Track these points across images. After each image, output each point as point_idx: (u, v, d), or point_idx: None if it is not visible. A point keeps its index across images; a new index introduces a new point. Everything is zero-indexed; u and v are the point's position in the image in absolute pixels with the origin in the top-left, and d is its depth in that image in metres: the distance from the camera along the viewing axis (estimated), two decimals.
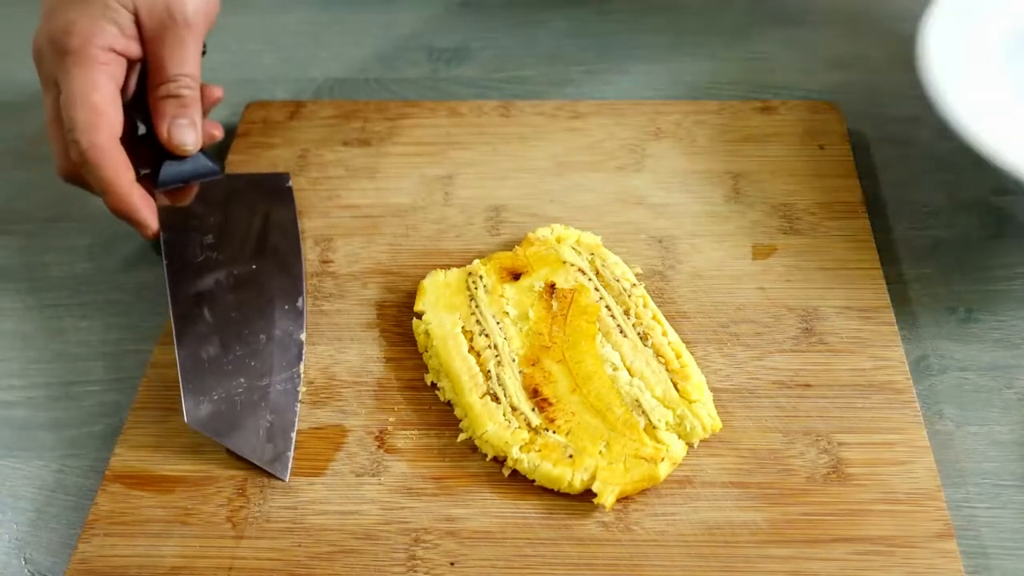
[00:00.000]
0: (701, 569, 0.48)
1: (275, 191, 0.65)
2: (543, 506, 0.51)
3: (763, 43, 0.81)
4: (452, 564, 0.49)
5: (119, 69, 0.59)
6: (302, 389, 0.56)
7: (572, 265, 0.59)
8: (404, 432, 0.54)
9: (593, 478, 0.50)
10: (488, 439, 0.52)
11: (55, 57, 0.58)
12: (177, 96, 0.59)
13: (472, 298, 0.58)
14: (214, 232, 0.61)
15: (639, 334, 0.55)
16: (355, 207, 0.66)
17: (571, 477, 0.50)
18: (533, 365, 0.54)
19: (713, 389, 0.54)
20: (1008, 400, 0.56)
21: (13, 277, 0.66)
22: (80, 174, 0.58)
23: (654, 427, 0.51)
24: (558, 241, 0.61)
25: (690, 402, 0.52)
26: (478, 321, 0.57)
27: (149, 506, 0.51)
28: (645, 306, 0.57)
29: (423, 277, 0.60)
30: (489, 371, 0.54)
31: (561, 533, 0.50)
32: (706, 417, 0.52)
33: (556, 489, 0.50)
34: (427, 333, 0.57)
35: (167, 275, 0.58)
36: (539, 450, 0.51)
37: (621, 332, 0.55)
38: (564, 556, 0.49)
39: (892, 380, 0.55)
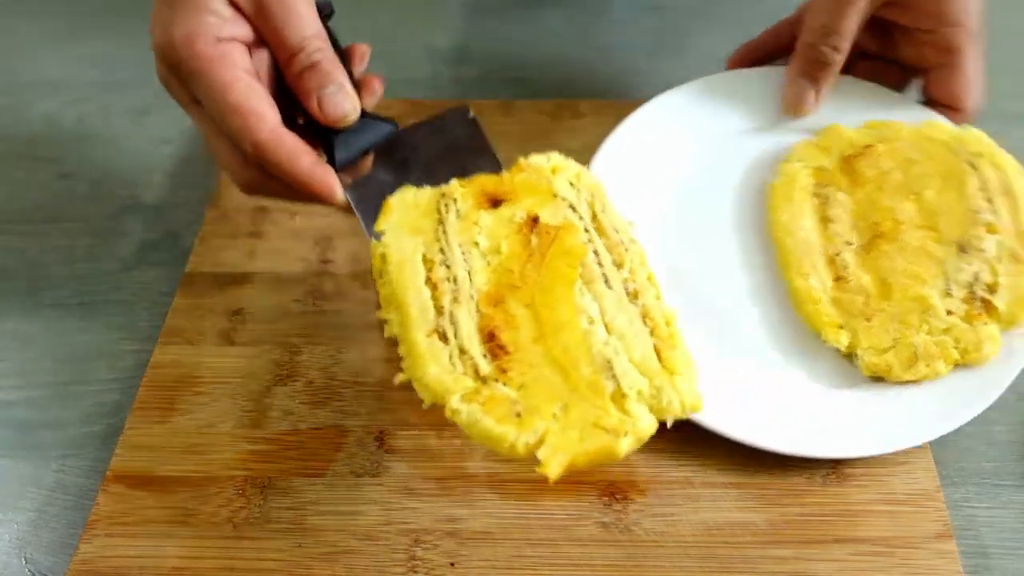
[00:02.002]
0: (701, 569, 0.48)
1: (459, 124, 0.58)
2: (543, 506, 0.51)
3: None
4: (452, 565, 0.49)
5: (240, 55, 0.50)
6: None
7: (564, 200, 0.52)
8: (404, 432, 0.54)
9: (540, 443, 0.43)
10: (428, 383, 0.45)
11: (174, 75, 0.50)
12: (311, 65, 0.51)
13: (441, 222, 0.51)
14: (413, 183, 0.54)
15: (629, 291, 0.49)
16: None
17: (515, 438, 0.43)
18: (495, 305, 0.47)
19: None
20: (1008, 400, 0.56)
21: (13, 277, 0.66)
22: (261, 182, 0.51)
23: (623, 395, 0.45)
24: (553, 172, 0.54)
25: (672, 374, 0.46)
26: (441, 250, 0.50)
27: (150, 506, 0.51)
28: (642, 264, 0.50)
29: None
30: (443, 307, 0.47)
31: (561, 533, 0.50)
32: (687, 392, 0.45)
33: (495, 451, 0.44)
34: (383, 257, 0.50)
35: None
36: (483, 403, 0.44)
37: (606, 282, 0.49)
38: (564, 556, 0.49)
39: None
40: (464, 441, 0.53)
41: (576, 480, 0.51)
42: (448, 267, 0.49)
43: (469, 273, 0.49)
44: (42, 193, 0.71)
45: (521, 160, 0.54)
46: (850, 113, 0.61)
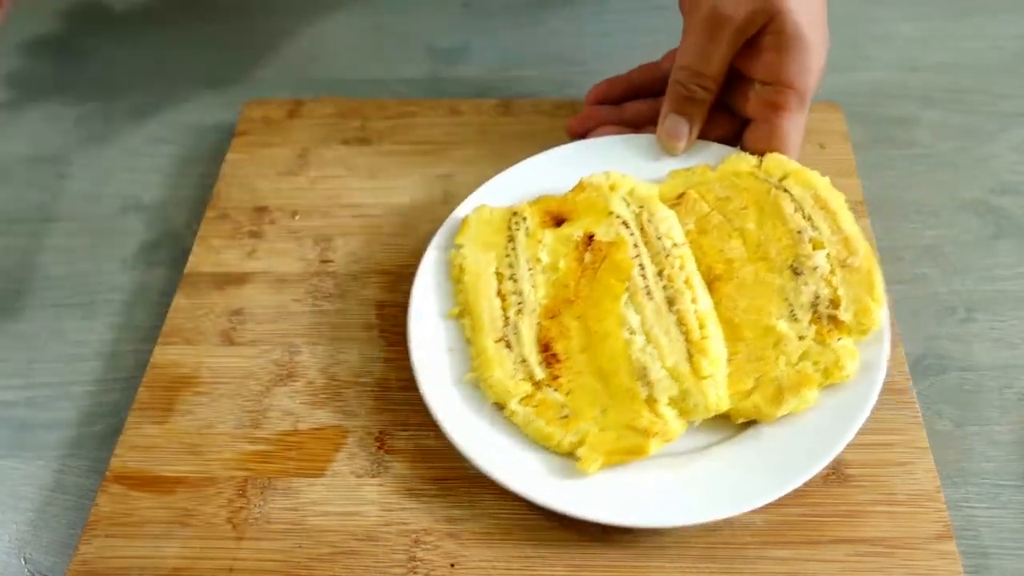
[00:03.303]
0: (700, 571, 0.48)
1: None
2: (543, 506, 0.51)
3: None
4: (452, 566, 0.49)
5: None
6: None
7: (618, 217, 0.57)
8: (404, 432, 0.54)
9: (582, 442, 0.49)
10: (492, 384, 0.52)
11: None
12: None
13: (511, 239, 0.57)
14: None
15: (667, 298, 0.53)
16: (355, 207, 0.66)
17: (561, 438, 0.50)
18: (552, 317, 0.54)
19: None
20: (1008, 400, 0.56)
21: (13, 277, 0.66)
22: None
23: (655, 400, 0.50)
24: (611, 188, 0.59)
25: (700, 377, 0.50)
26: (511, 264, 0.56)
27: (150, 507, 0.51)
28: (682, 268, 0.54)
29: None
30: (508, 317, 0.54)
31: (561, 533, 0.50)
32: (712, 396, 0.50)
33: (546, 446, 0.50)
34: (461, 267, 0.57)
35: None
36: (536, 406, 0.51)
37: (648, 294, 0.53)
38: (564, 556, 0.49)
39: (892, 380, 0.54)
40: None
41: None
42: (515, 281, 0.56)
43: (533, 287, 0.55)
44: (42, 193, 0.71)
45: (583, 179, 0.60)
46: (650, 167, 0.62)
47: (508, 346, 0.53)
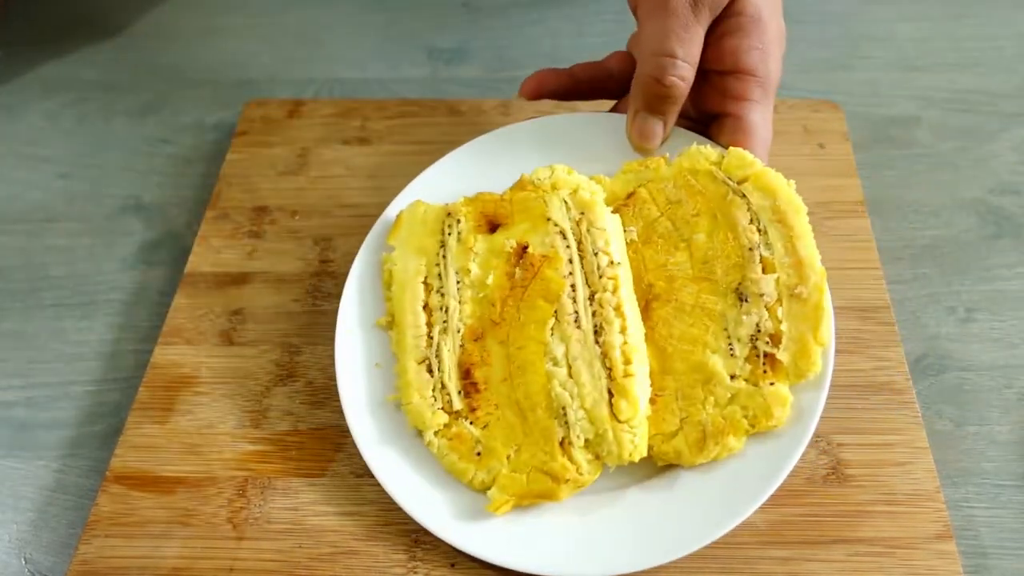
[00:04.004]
0: (700, 570, 0.48)
1: None
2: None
3: None
4: (452, 565, 0.49)
5: None
6: None
7: (555, 225, 0.52)
8: None
9: (493, 481, 0.49)
10: (411, 411, 0.50)
11: None
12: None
13: (443, 244, 0.54)
14: None
15: (595, 325, 0.50)
16: (355, 207, 0.66)
17: (473, 475, 0.49)
18: (476, 340, 0.51)
19: None
20: (1008, 400, 0.56)
21: (13, 277, 0.66)
22: None
23: (571, 443, 0.48)
24: (553, 187, 0.54)
25: (618, 422, 0.47)
26: (439, 275, 0.53)
27: (150, 507, 0.51)
28: (614, 292, 0.50)
29: None
30: (432, 336, 0.52)
31: None
32: (627, 444, 0.47)
33: (458, 480, 0.50)
34: (390, 273, 0.55)
35: None
36: (451, 439, 0.50)
37: (576, 322, 0.50)
38: None
39: (892, 380, 0.55)
40: None
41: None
42: (442, 295, 0.53)
43: (459, 303, 0.52)
44: (42, 193, 0.71)
45: (524, 176, 0.56)
46: (609, 154, 0.57)
47: (429, 370, 0.51)
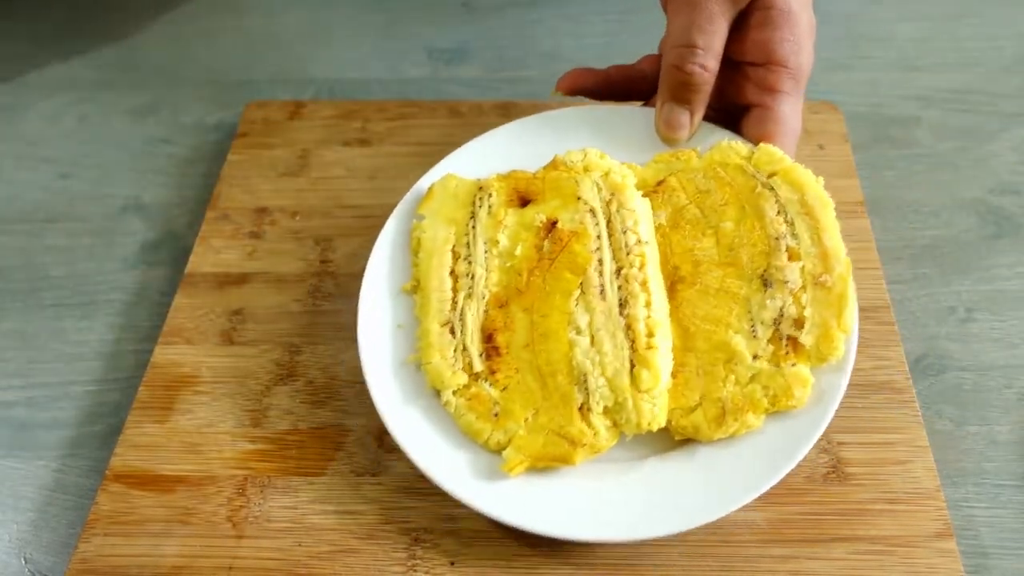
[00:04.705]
0: (700, 569, 0.48)
1: None
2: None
3: None
4: (452, 564, 0.49)
5: None
6: None
7: (585, 204, 0.53)
8: None
9: (509, 442, 0.48)
10: (430, 371, 0.51)
11: None
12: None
13: (473, 215, 0.55)
14: None
15: (620, 299, 0.50)
16: (355, 207, 0.66)
17: (489, 435, 0.49)
18: (500, 307, 0.52)
19: None
20: (1008, 400, 0.56)
21: (13, 277, 0.66)
22: None
23: (589, 408, 0.48)
24: (585, 169, 0.56)
25: (638, 391, 0.48)
26: (468, 244, 0.54)
27: (149, 506, 0.51)
28: (641, 267, 0.51)
29: None
30: (457, 301, 0.52)
31: None
32: (646, 412, 0.47)
33: (473, 441, 0.49)
34: (419, 240, 0.55)
35: None
36: (470, 399, 0.50)
37: (601, 293, 0.50)
38: (564, 555, 0.49)
39: (892, 380, 0.55)
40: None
41: None
42: (469, 263, 0.53)
43: (486, 271, 0.53)
44: (42, 193, 0.71)
45: (557, 156, 0.57)
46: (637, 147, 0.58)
47: (452, 332, 0.51)
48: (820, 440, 0.52)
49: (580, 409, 0.48)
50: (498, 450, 0.49)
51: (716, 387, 0.49)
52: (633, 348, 0.49)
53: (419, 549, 0.49)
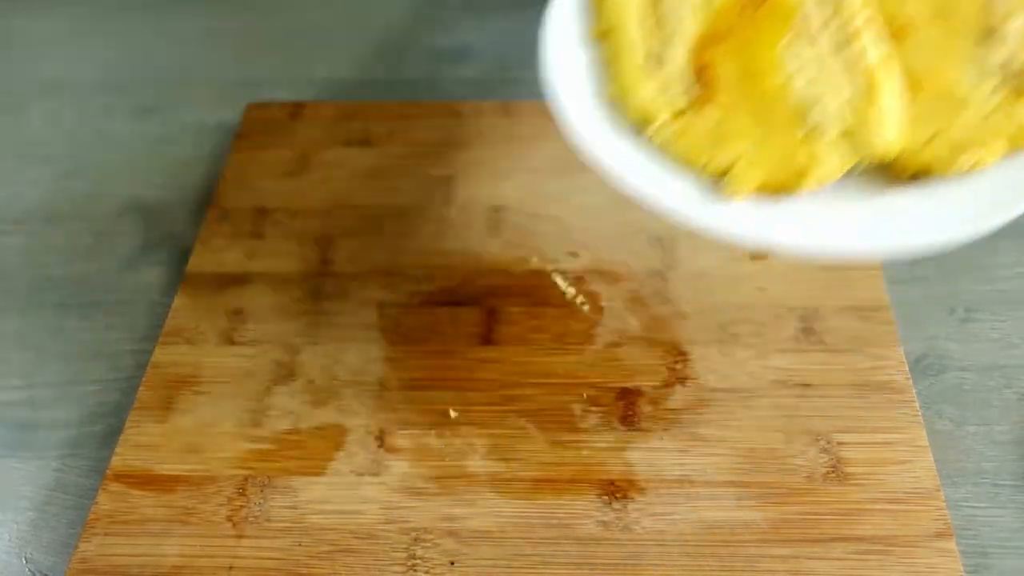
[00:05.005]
0: (700, 568, 0.48)
1: None
2: (543, 505, 0.51)
3: None
4: (452, 563, 0.49)
5: None
6: None
7: None
8: (404, 432, 0.54)
9: (731, 167, 0.45)
10: (635, 103, 0.47)
11: None
12: None
13: None
14: None
15: (836, 43, 0.47)
16: (355, 207, 0.66)
17: (708, 159, 0.46)
18: (702, 49, 0.49)
19: (713, 389, 0.54)
20: (1007, 400, 0.56)
21: (13, 277, 0.66)
22: None
23: (819, 133, 0.45)
24: None
25: (875, 107, 0.45)
26: None
27: (149, 506, 0.51)
28: (859, 11, 0.47)
29: (422, 278, 0.60)
30: (655, 42, 0.49)
31: (561, 532, 0.50)
32: (889, 128, 0.45)
33: (688, 169, 0.46)
34: None
35: None
36: (683, 125, 0.47)
37: (812, 42, 0.47)
38: (564, 556, 0.49)
39: (892, 380, 0.55)
40: (464, 440, 0.53)
41: (575, 479, 0.51)
42: (665, 8, 0.50)
43: (688, 12, 0.49)
44: (42, 193, 0.71)
45: None
46: None
47: (653, 67, 0.48)
48: (820, 440, 0.52)
49: (807, 135, 0.45)
50: (717, 174, 0.45)
51: (948, 126, 0.46)
52: (855, 86, 0.46)
53: (419, 549, 0.49)
